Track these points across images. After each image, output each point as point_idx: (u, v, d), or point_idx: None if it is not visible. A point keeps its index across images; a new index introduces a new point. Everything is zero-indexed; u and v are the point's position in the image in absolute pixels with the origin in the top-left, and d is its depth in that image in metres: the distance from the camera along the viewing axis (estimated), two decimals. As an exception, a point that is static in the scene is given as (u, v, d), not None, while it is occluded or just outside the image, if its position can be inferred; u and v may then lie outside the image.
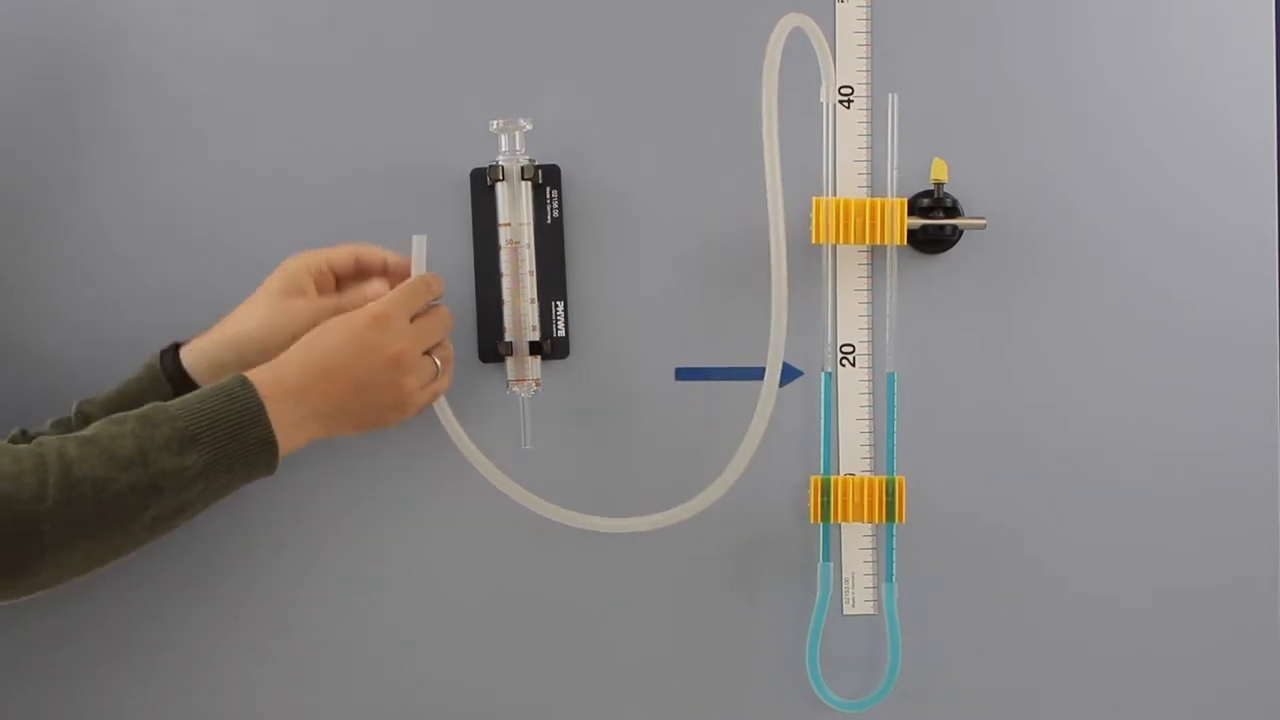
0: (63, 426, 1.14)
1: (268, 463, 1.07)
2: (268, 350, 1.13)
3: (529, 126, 1.21)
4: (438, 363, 1.16)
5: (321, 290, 1.18)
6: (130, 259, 1.24)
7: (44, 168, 1.24)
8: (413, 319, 1.14)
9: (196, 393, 1.07)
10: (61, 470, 0.98)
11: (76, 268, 1.24)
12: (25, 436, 1.14)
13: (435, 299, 1.17)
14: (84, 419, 1.13)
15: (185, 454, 1.02)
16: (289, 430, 1.07)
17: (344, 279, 1.20)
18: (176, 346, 1.17)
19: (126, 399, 1.13)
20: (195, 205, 1.21)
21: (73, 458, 0.99)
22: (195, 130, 1.24)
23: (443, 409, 1.19)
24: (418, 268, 1.17)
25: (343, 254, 1.19)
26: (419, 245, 1.17)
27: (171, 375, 1.15)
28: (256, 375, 1.08)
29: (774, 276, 1.16)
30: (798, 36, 1.17)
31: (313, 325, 1.14)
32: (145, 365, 1.16)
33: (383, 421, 1.14)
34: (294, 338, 1.12)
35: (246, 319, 1.17)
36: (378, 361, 1.11)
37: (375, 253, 1.20)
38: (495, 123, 1.21)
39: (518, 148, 1.21)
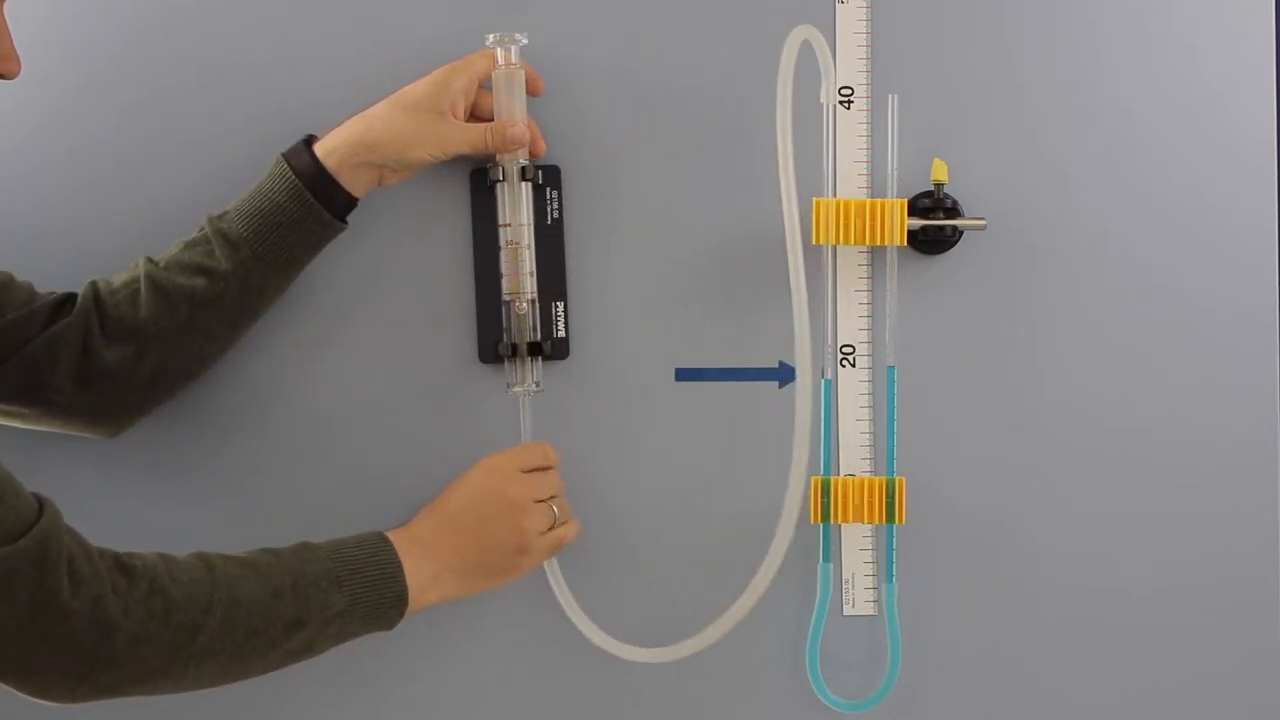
0: (198, 247, 1.15)
1: (393, 619, 1.11)
2: (408, 161, 1.16)
3: (525, 40, 1.21)
4: (555, 509, 1.18)
5: (466, 114, 1.19)
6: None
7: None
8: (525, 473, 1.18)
9: (341, 539, 1.11)
10: (228, 588, 1.02)
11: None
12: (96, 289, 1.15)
13: (549, 464, 1.20)
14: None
15: (330, 593, 1.07)
16: (421, 589, 1.12)
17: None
18: (307, 145, 1.16)
19: (265, 210, 1.15)
20: (190, 197, 1.21)
21: (235, 577, 1.03)
22: (190, 129, 1.24)
23: (553, 568, 1.21)
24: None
25: (484, 67, 1.19)
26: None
27: (306, 173, 1.15)
28: (394, 534, 1.12)
29: (792, 283, 1.16)
30: (798, 38, 1.17)
31: (452, 145, 1.16)
32: (270, 174, 1.16)
33: (510, 569, 1.17)
34: (431, 155, 1.16)
35: (387, 128, 1.16)
36: (495, 504, 1.15)
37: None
38: (490, 36, 1.20)
39: (514, 60, 1.20)
